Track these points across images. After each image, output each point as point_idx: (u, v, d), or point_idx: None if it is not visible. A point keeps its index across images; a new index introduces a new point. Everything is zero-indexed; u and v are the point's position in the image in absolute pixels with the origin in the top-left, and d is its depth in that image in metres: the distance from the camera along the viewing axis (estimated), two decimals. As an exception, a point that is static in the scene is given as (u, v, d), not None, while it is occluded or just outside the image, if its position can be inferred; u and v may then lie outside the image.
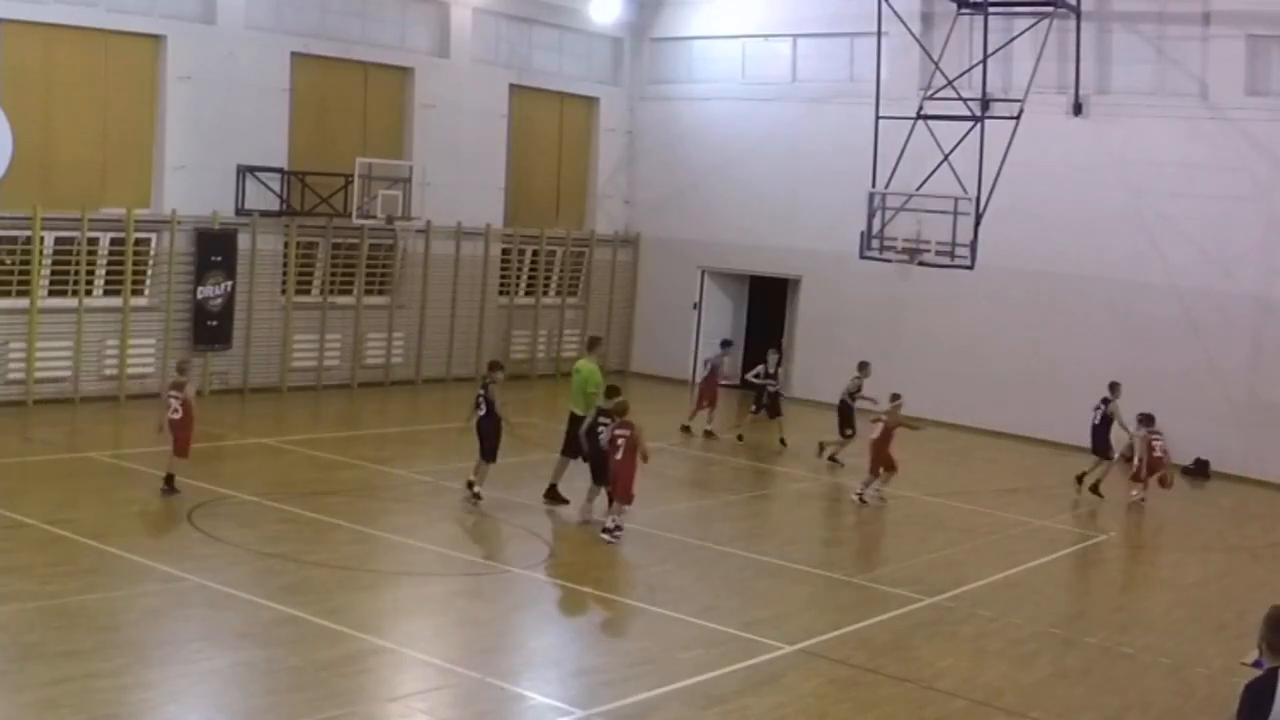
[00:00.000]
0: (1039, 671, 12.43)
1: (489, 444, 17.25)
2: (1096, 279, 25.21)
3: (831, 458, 22.08)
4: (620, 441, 15.72)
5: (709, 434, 24.11)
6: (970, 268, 22.55)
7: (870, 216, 23.27)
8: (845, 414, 22.14)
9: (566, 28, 30.36)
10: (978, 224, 22.25)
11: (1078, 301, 25.49)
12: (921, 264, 23.08)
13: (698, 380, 26.35)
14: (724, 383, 25.20)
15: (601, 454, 16.36)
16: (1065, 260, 25.51)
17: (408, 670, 11.36)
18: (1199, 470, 24.05)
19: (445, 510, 17.34)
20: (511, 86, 29.19)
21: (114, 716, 9.64)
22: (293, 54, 25.18)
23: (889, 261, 23.92)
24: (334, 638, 11.63)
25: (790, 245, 29.02)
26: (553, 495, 17.57)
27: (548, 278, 30.54)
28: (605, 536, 15.79)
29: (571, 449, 17.48)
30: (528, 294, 30.11)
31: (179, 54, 23.40)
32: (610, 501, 16.15)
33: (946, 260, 22.53)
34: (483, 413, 17.29)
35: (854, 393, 22.27)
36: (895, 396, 19.77)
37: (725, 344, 26.22)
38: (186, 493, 16.52)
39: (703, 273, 30.98)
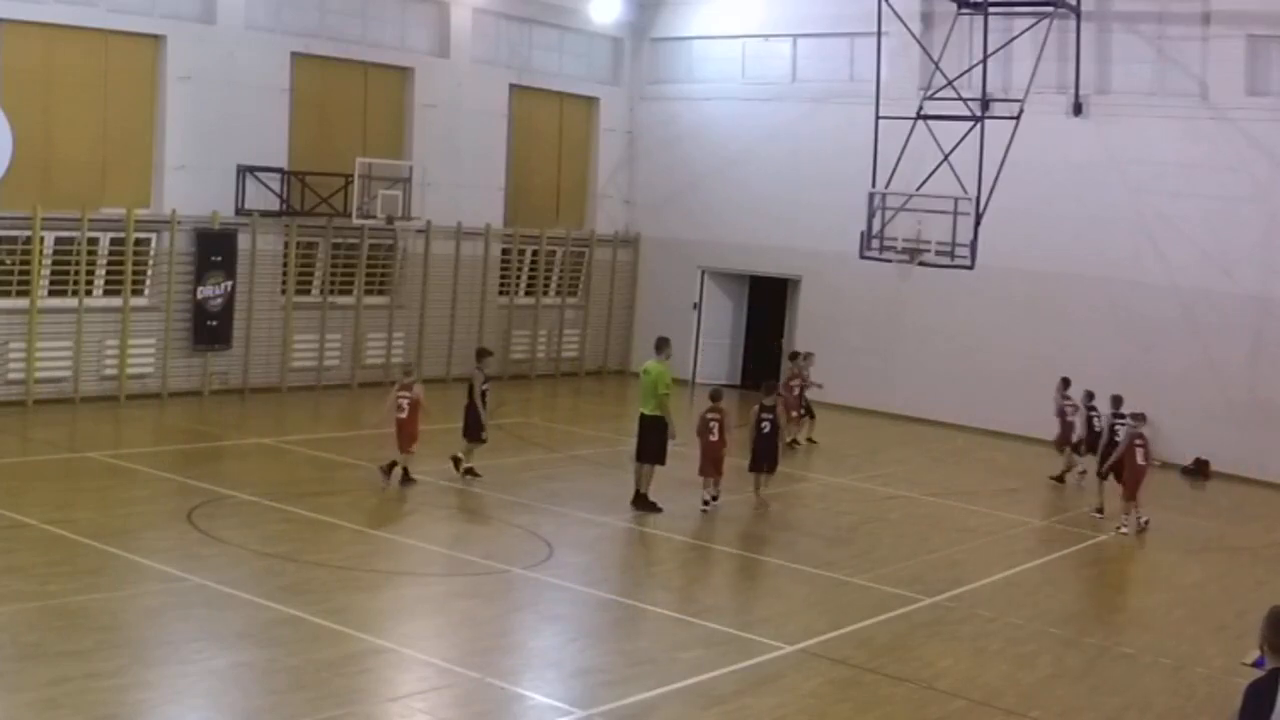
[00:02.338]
0: (1039, 671, 12.42)
1: (465, 422, 18.52)
2: (1096, 279, 25.21)
3: None
4: (714, 424, 17.82)
5: (811, 441, 23.72)
6: (970, 268, 22.56)
7: (870, 216, 23.28)
8: None
9: (566, 28, 30.36)
10: (978, 224, 22.26)
11: (1078, 301, 25.49)
12: (921, 264, 23.09)
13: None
14: (805, 390, 23.86)
15: (764, 443, 18.45)
16: (1065, 260, 25.51)
17: (408, 670, 11.35)
18: (1199, 470, 24.05)
19: (445, 510, 17.38)
20: (511, 86, 29.19)
21: (114, 716, 9.64)
22: (293, 54, 25.18)
23: (889, 261, 23.94)
24: (334, 638, 11.62)
25: (790, 245, 29.02)
26: (642, 503, 17.52)
27: (548, 278, 30.54)
28: (703, 509, 17.75)
29: (647, 453, 17.58)
30: (528, 294, 30.11)
31: (179, 54, 23.40)
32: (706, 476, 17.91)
33: (946, 260, 22.55)
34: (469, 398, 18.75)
35: None
36: None
37: (793, 356, 24.76)
38: (186, 493, 16.57)
39: (703, 273, 30.98)
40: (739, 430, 18.87)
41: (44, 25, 21.80)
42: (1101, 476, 19.46)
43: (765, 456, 18.52)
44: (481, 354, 19.34)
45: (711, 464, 17.86)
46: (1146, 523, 18.69)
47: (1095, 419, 21.03)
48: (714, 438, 17.84)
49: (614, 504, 17.62)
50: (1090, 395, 21.78)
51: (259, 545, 14.49)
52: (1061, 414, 22.21)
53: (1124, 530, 18.44)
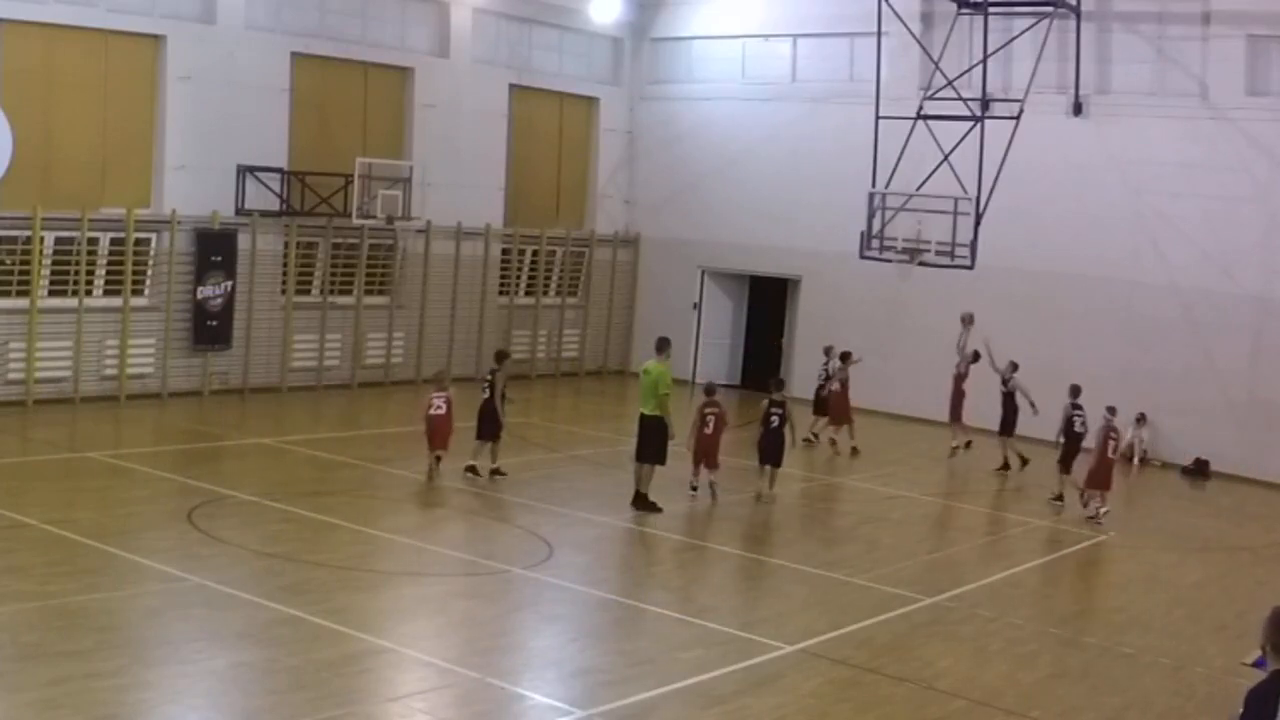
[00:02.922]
0: (1039, 671, 12.43)
1: (483, 424, 18.71)
2: (1096, 279, 25.21)
3: None
4: (711, 417, 18.17)
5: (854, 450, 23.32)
6: (970, 268, 22.57)
7: (870, 216, 23.29)
8: None
9: (566, 28, 30.36)
10: (978, 224, 22.27)
11: (1078, 301, 25.49)
12: (921, 264, 23.09)
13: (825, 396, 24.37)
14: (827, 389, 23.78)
15: (772, 438, 18.72)
16: (1065, 260, 25.51)
17: (408, 670, 11.36)
18: (1199, 470, 24.06)
19: (445, 510, 17.38)
20: (511, 86, 29.19)
21: (114, 716, 9.64)
22: (293, 54, 25.18)
23: (889, 262, 23.92)
24: (334, 638, 11.62)
25: (790, 245, 29.02)
26: (641, 503, 17.51)
27: (548, 278, 30.54)
28: (692, 494, 18.28)
29: (647, 453, 17.57)
30: (528, 294, 30.11)
31: (179, 54, 23.39)
32: (700, 469, 18.34)
33: (946, 260, 22.55)
34: (485, 396, 18.89)
35: None
36: None
37: (844, 356, 24.11)
38: (186, 493, 16.57)
39: (703, 273, 30.98)
40: (744, 426, 18.97)
41: (44, 25, 21.80)
42: (1061, 468, 19.95)
43: (772, 452, 18.66)
44: (501, 355, 19.77)
45: (706, 455, 18.11)
46: (1105, 512, 19.02)
47: (1077, 419, 20.47)
48: (709, 430, 18.11)
49: (614, 504, 17.63)
50: (1075, 391, 21.24)
51: (259, 545, 14.49)
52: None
53: (1103, 510, 18.89)
